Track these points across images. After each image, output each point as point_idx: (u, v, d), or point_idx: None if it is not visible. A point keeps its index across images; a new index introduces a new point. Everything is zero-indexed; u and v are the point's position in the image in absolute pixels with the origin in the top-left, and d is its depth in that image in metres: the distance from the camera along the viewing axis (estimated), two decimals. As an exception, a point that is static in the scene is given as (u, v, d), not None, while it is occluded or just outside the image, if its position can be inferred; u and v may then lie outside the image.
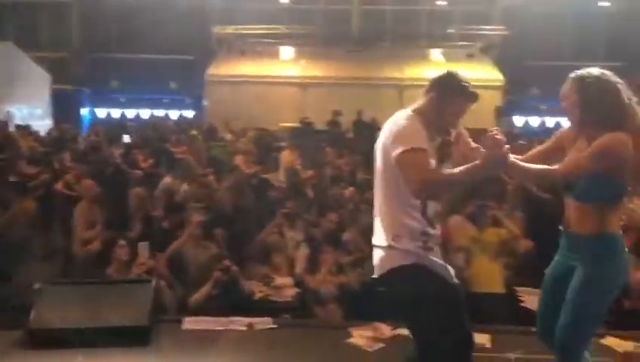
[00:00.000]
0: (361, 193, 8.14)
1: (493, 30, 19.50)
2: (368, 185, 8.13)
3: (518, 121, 21.03)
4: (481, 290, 5.43)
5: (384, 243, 2.68)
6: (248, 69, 18.70)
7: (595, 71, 2.71)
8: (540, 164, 2.92)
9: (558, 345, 2.76)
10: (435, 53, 19.30)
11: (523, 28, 20.74)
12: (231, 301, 4.76)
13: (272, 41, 19.72)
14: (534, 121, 22.30)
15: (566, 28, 22.10)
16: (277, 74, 19.03)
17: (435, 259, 2.68)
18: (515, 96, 19.97)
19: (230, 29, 19.03)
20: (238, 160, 9.91)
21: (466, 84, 2.72)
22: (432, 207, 2.70)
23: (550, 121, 22.48)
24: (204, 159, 9.06)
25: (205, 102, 19.05)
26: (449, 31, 19.85)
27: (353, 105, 17.07)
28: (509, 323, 4.83)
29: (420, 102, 2.77)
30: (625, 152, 2.57)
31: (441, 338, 2.62)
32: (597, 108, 2.64)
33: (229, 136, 13.23)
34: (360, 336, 4.12)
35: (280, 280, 5.33)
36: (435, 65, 19.03)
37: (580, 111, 2.68)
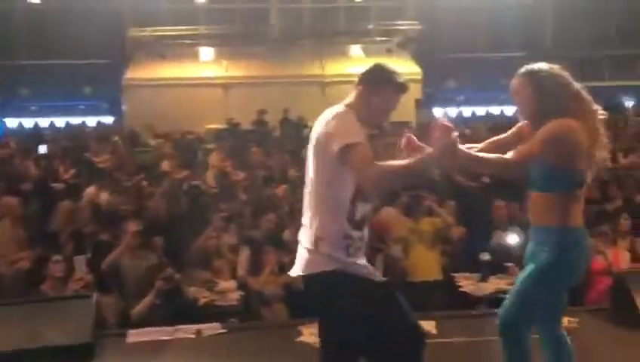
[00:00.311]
0: (293, 191, 8.23)
1: (409, 25, 19.98)
2: (300, 183, 8.25)
3: (437, 112, 21.68)
4: (420, 279, 5.62)
5: (307, 245, 2.56)
6: (168, 71, 18.29)
7: (544, 65, 2.74)
8: (494, 153, 2.94)
9: (500, 322, 2.79)
10: (355, 49, 19.58)
11: (437, 21, 21.42)
12: (175, 309, 4.68)
13: (191, 42, 19.36)
14: (452, 112, 23.13)
15: (479, 20, 22.99)
16: (198, 75, 18.75)
17: (358, 262, 2.55)
18: (433, 89, 20.58)
19: (147, 32, 18.55)
20: (165, 165, 9.72)
21: (394, 75, 2.64)
22: (361, 210, 2.57)
23: (467, 111, 23.38)
24: (129, 166, 8.80)
25: (124, 107, 18.49)
26: (369, 27, 20.15)
27: (277, 104, 17.05)
28: (449, 309, 5.00)
29: (350, 97, 2.68)
30: (574, 138, 2.58)
31: (383, 341, 2.48)
32: (551, 101, 2.65)
33: (153, 141, 12.91)
34: (310, 334, 4.13)
35: (223, 284, 5.28)
36: (355, 61, 19.33)
37: (534, 105, 2.69)
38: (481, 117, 21.32)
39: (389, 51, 18.75)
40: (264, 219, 5.63)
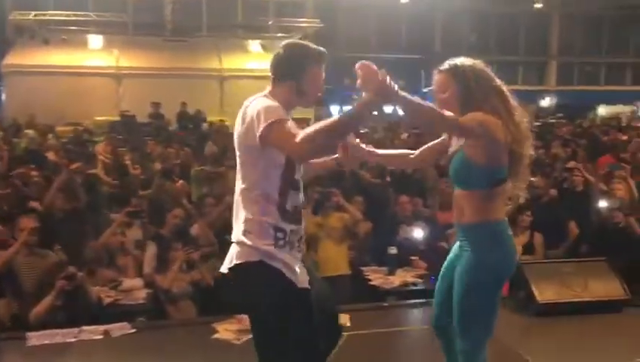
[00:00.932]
0: (198, 186, 8.03)
1: (308, 22, 20.15)
2: (205, 178, 8.06)
3: (334, 110, 22.07)
4: (329, 273, 5.68)
5: (235, 238, 2.48)
6: (54, 58, 17.20)
7: (466, 60, 2.70)
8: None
9: (462, 353, 2.69)
10: (254, 45, 19.45)
11: (334, 20, 21.80)
12: (79, 310, 4.41)
13: (79, 28, 18.36)
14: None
15: (371, 21, 23.67)
16: (87, 64, 17.82)
17: (288, 258, 2.43)
18: (331, 87, 20.93)
19: (30, 16, 17.34)
20: (51, 156, 9.15)
21: (309, 50, 2.53)
22: (292, 200, 2.47)
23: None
24: (5, 159, 8.18)
25: (3, 96, 17.19)
26: (269, 22, 20.09)
27: (173, 97, 16.56)
28: (359, 302, 5.10)
29: (269, 87, 2.55)
30: (496, 134, 2.55)
31: (283, 347, 2.41)
32: (475, 97, 2.62)
33: (31, 133, 12.06)
34: (225, 330, 4.08)
35: (128, 283, 5.05)
36: (254, 56, 19.23)
37: (459, 101, 2.65)
38: (374, 115, 22.02)
39: (288, 48, 18.81)
40: (171, 214, 5.43)
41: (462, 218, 2.69)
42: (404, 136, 12.49)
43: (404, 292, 5.04)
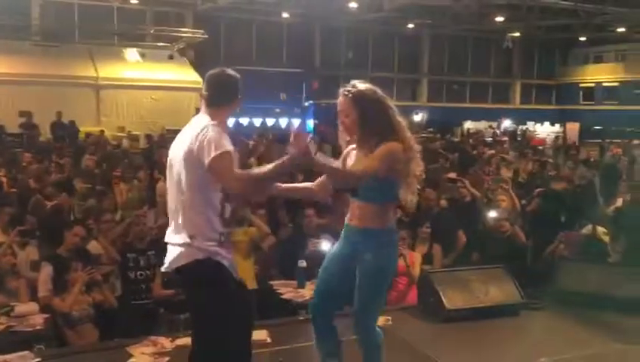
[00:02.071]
0: (83, 199, 7.57)
1: (191, 32, 19.83)
2: (88, 193, 7.63)
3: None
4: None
5: (180, 241, 2.84)
6: None
7: (368, 88, 3.03)
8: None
9: (359, 326, 3.15)
10: (132, 53, 18.80)
11: (215, 32, 21.61)
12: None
13: None
14: (230, 122, 23.47)
15: (252, 35, 23.75)
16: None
17: (226, 255, 2.87)
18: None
19: None
20: None
21: (234, 82, 2.95)
22: (228, 209, 2.90)
23: (244, 121, 23.89)
24: None
25: None
26: (151, 31, 19.51)
27: (44, 106, 15.59)
28: (269, 316, 5.07)
29: (207, 109, 2.90)
30: (400, 158, 2.98)
31: (224, 334, 2.81)
32: (375, 124, 2.99)
33: None
34: (141, 354, 3.89)
35: (22, 308, 4.66)
36: (132, 65, 18.57)
37: (360, 127, 3.01)
38: (257, 128, 22.10)
39: (170, 58, 18.37)
40: (70, 233, 5.09)
41: (362, 224, 3.09)
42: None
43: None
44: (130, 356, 3.91)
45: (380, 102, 3.03)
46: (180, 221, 2.85)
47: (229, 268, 2.86)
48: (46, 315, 4.65)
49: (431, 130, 22.97)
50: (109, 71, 18.24)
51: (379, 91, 3.06)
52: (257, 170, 2.90)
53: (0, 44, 16.85)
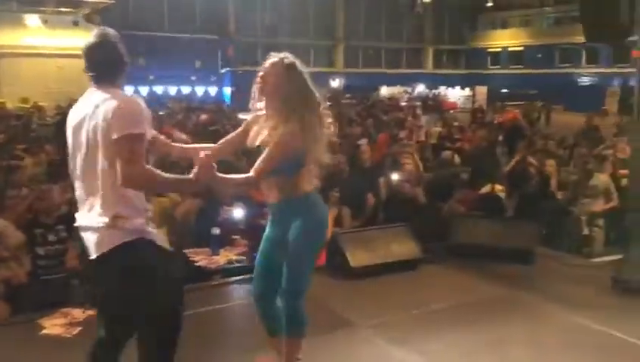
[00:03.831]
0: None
1: (97, -2, 19.04)
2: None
3: (128, 90, 21.27)
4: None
5: (101, 224, 2.59)
6: None
7: (292, 59, 2.97)
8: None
9: (288, 294, 3.06)
10: (33, 19, 17.88)
11: (124, -3, 20.83)
12: None
13: None
14: (144, 91, 22.84)
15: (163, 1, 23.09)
16: None
17: (154, 231, 2.73)
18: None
19: None
20: None
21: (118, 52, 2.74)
22: None
23: (159, 90, 23.32)
24: None
25: None
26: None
27: None
28: (187, 283, 5.18)
29: (104, 88, 2.67)
30: (297, 141, 2.89)
31: (158, 308, 2.71)
32: (295, 96, 2.91)
33: None
34: (53, 326, 3.93)
35: None
36: (34, 31, 17.68)
37: (281, 97, 2.91)
38: (173, 96, 21.66)
39: (75, 24, 17.61)
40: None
41: (276, 199, 3.05)
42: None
43: (228, 270, 5.24)
44: (43, 327, 3.94)
45: (303, 73, 2.98)
46: (99, 201, 2.61)
47: (158, 242, 2.72)
48: (-48, 294, 4.57)
49: (348, 95, 23.34)
50: (9, 38, 17.30)
51: (299, 62, 3.01)
52: (164, 176, 2.62)
53: None
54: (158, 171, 2.59)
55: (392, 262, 4.97)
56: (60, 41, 17.21)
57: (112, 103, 2.55)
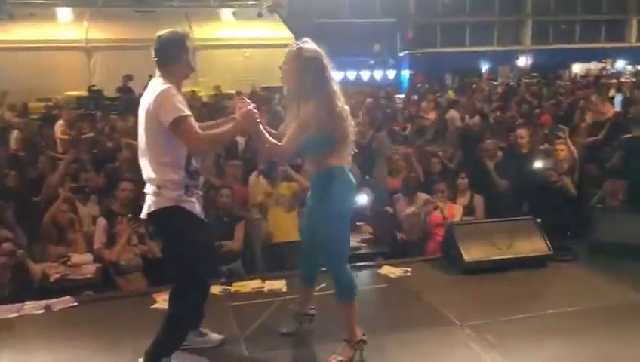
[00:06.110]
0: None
1: (280, -10, 19.97)
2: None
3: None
4: (280, 240, 5.85)
5: (151, 192, 3.18)
6: (21, 33, 17.01)
7: (312, 46, 3.15)
8: None
9: (328, 262, 3.35)
10: (226, 13, 19.29)
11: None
12: (22, 286, 4.53)
13: (46, 2, 18.10)
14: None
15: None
16: (56, 38, 17.59)
17: (192, 200, 3.23)
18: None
19: (-6, -9, 17.09)
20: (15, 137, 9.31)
21: (180, 39, 3.19)
22: (194, 163, 3.25)
23: (339, 76, 23.83)
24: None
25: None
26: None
27: (145, 70, 16.40)
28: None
29: (162, 72, 3.15)
30: (323, 115, 3.10)
31: (190, 267, 3.21)
32: (309, 82, 3.09)
33: (7, 114, 12.08)
34: (164, 301, 4.19)
35: (77, 258, 5.18)
36: (226, 24, 19.06)
37: (296, 82, 3.15)
38: (352, 81, 22.01)
39: (259, 15, 18.70)
40: (119, 187, 5.49)
41: (311, 172, 3.36)
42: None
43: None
44: (155, 302, 4.25)
45: (320, 60, 3.14)
46: (151, 174, 3.16)
47: (194, 211, 3.22)
48: (98, 265, 5.15)
49: (535, 74, 21.72)
50: (204, 32, 18.83)
51: (321, 50, 3.15)
52: (214, 132, 3.27)
53: (105, 12, 17.93)
54: (210, 132, 3.22)
55: (511, 258, 4.50)
56: (246, 32, 18.32)
57: (158, 92, 3.04)
